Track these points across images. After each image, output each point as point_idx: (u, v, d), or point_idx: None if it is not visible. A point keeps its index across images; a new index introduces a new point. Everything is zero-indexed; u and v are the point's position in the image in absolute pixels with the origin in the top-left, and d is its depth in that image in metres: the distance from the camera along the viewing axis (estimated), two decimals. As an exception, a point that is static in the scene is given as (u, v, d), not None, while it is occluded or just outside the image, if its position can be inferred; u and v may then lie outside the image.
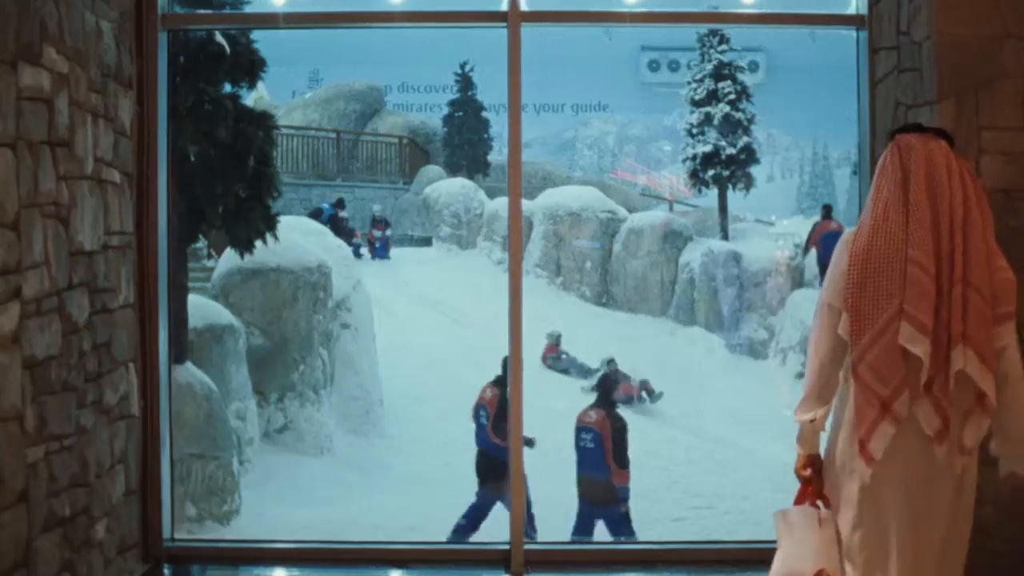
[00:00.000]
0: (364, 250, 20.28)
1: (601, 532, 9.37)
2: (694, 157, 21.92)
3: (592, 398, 10.12)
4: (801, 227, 21.16)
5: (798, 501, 3.54)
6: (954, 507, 3.30)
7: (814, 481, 3.48)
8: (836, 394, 3.42)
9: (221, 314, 10.81)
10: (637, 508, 11.09)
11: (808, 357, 3.46)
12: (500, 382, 9.50)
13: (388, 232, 21.17)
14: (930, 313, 3.20)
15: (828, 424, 3.51)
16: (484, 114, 26.62)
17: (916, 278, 3.21)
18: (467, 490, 11.51)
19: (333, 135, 25.66)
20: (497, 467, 8.72)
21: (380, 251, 20.78)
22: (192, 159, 9.01)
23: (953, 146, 3.45)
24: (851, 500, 3.34)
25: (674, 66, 30.62)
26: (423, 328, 17.30)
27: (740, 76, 22.04)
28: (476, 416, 9.87)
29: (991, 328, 3.27)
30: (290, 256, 12.00)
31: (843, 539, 3.37)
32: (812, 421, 3.44)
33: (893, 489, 3.28)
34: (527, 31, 5.64)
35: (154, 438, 5.64)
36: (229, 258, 11.63)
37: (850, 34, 5.77)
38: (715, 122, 21.74)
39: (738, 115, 21.78)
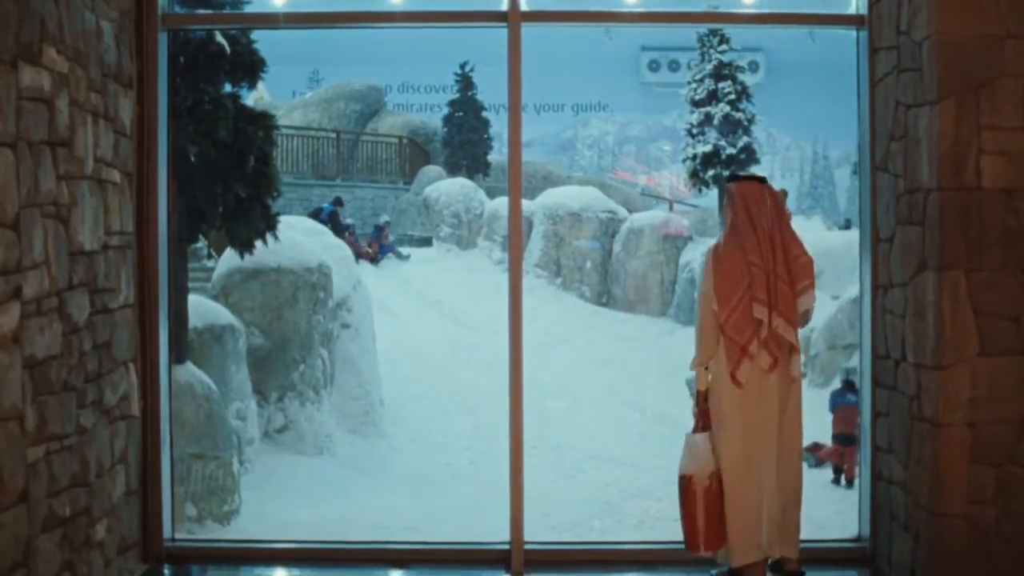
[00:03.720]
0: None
1: None
2: (694, 157, 21.93)
3: None
4: (801, 227, 21.17)
5: (702, 424, 5.06)
6: (784, 411, 4.99)
7: (707, 411, 5.05)
8: (716, 351, 5.01)
9: (221, 314, 10.80)
10: (637, 508, 11.12)
11: (696, 328, 5.11)
12: None
13: (390, 240, 21.11)
14: (765, 293, 4.94)
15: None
16: (484, 114, 26.60)
17: (755, 272, 4.95)
18: (467, 490, 11.52)
19: (333, 135, 25.64)
20: None
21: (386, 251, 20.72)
22: (192, 159, 9.01)
23: (764, 183, 5.14)
24: (725, 415, 4.99)
25: (674, 66, 30.61)
26: (423, 328, 17.30)
27: (740, 76, 22.04)
28: None
29: (793, 301, 5.00)
30: (290, 256, 11.99)
31: (718, 443, 4.98)
32: (701, 368, 5.08)
33: (750, 402, 4.96)
34: (527, 31, 5.63)
35: (154, 438, 5.63)
36: (229, 258, 11.62)
37: (850, 34, 5.76)
38: (715, 122, 21.75)
39: (738, 115, 21.78)
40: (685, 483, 4.99)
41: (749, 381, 4.96)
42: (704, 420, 5.08)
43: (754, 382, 4.96)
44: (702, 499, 4.96)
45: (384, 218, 21.66)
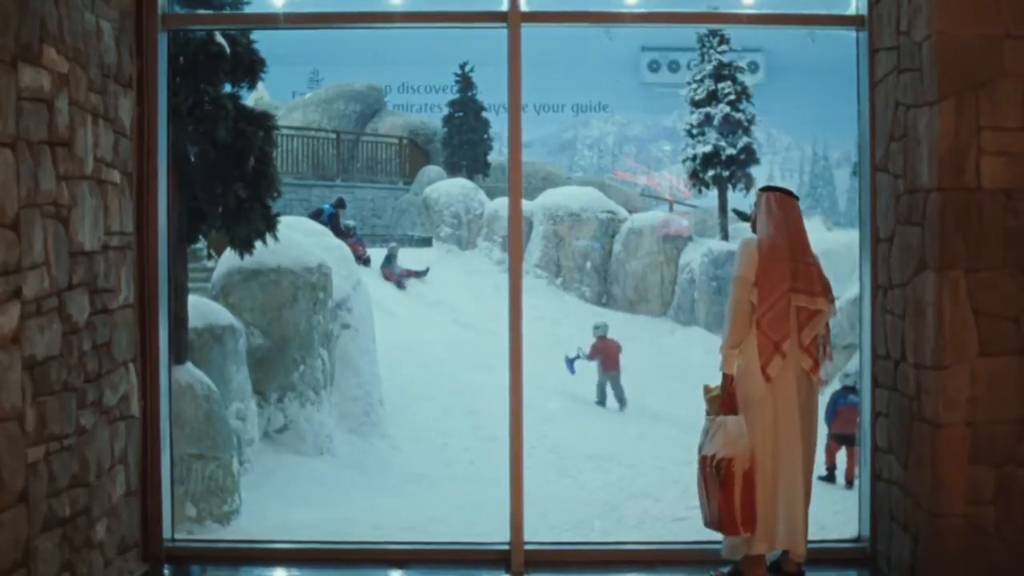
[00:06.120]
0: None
1: None
2: (694, 157, 21.91)
3: None
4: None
5: (724, 407, 5.17)
6: (809, 405, 5.23)
7: (734, 394, 5.16)
8: (748, 333, 5.15)
9: (221, 314, 10.78)
10: (637, 508, 11.10)
11: (729, 312, 5.21)
12: None
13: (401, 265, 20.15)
14: (819, 286, 5.23)
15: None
16: (484, 114, 26.59)
17: (805, 271, 5.19)
18: (467, 490, 11.52)
19: (333, 135, 25.64)
20: None
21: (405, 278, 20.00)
22: (192, 159, 9.00)
23: (790, 194, 5.38)
24: (755, 405, 5.12)
25: (674, 66, 30.64)
26: (423, 328, 17.28)
27: (740, 76, 22.02)
28: None
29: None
30: (290, 256, 11.97)
31: (750, 429, 5.08)
32: (732, 351, 5.16)
33: (782, 396, 5.12)
34: (527, 31, 5.64)
35: (154, 438, 5.64)
36: (229, 258, 11.61)
37: (850, 34, 5.76)
38: (715, 122, 21.73)
39: (738, 115, 21.76)
40: (724, 465, 5.03)
41: (781, 378, 5.09)
42: (729, 404, 5.15)
43: (782, 377, 5.10)
44: (741, 481, 5.02)
45: (392, 245, 20.47)
